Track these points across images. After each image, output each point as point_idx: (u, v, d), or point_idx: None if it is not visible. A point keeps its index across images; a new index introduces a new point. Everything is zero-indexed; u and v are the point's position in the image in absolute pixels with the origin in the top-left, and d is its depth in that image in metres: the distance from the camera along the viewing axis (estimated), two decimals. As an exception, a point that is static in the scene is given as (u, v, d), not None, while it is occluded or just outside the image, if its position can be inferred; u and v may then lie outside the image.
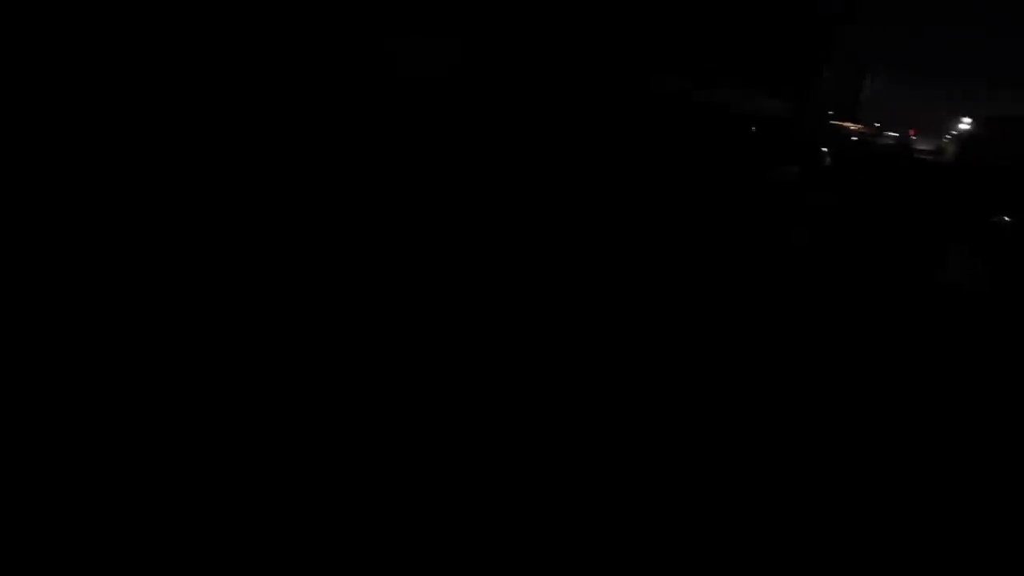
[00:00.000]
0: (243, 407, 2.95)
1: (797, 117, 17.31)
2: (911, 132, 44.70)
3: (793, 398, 3.64)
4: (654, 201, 9.06)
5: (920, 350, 4.61)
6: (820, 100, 18.86)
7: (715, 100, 11.48)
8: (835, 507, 2.79)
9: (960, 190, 12.63)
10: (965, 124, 40.97)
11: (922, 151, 35.43)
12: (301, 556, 2.21)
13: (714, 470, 2.94)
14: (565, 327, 4.15)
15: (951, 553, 2.59)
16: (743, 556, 2.40)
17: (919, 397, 3.89)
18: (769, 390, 3.69)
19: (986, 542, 2.71)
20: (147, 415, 2.78)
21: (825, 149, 18.76)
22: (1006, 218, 10.78)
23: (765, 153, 15.09)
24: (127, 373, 2.99)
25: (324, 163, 5.98)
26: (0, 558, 2.07)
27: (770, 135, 14.99)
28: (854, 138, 30.91)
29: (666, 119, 11.63)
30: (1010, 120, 31.33)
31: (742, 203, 9.84)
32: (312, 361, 3.38)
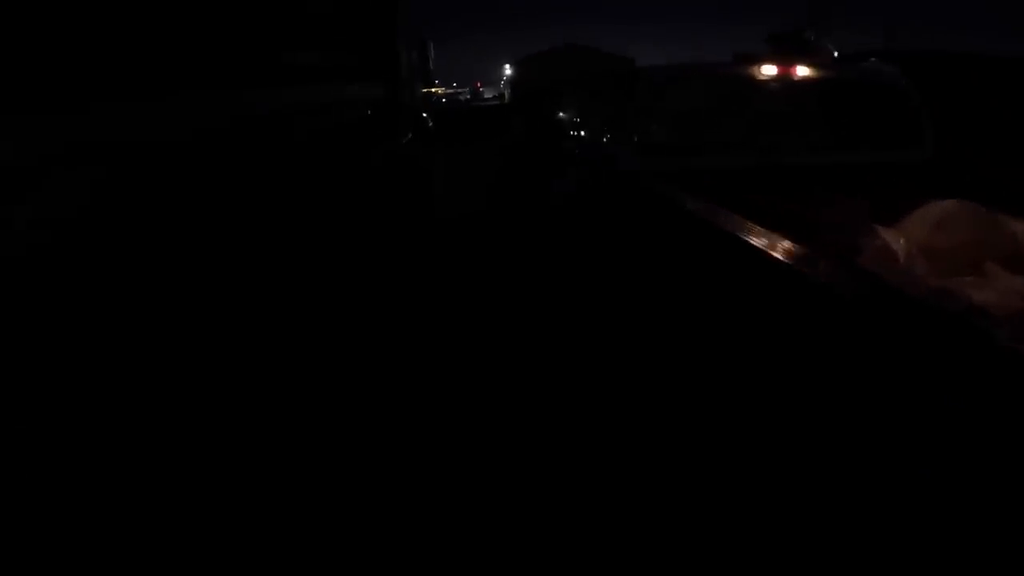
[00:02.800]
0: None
1: (397, 94, 19.55)
2: (476, 85, 53.06)
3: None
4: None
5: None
6: (406, 76, 21.66)
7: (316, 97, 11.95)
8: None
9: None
10: (508, 69, 50.48)
11: (488, 99, 42.88)
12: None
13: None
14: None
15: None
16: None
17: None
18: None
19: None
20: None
21: (425, 114, 21.72)
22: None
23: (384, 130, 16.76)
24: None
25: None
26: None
27: (384, 114, 16.70)
28: (443, 100, 35.75)
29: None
30: (536, 57, 40.60)
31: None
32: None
